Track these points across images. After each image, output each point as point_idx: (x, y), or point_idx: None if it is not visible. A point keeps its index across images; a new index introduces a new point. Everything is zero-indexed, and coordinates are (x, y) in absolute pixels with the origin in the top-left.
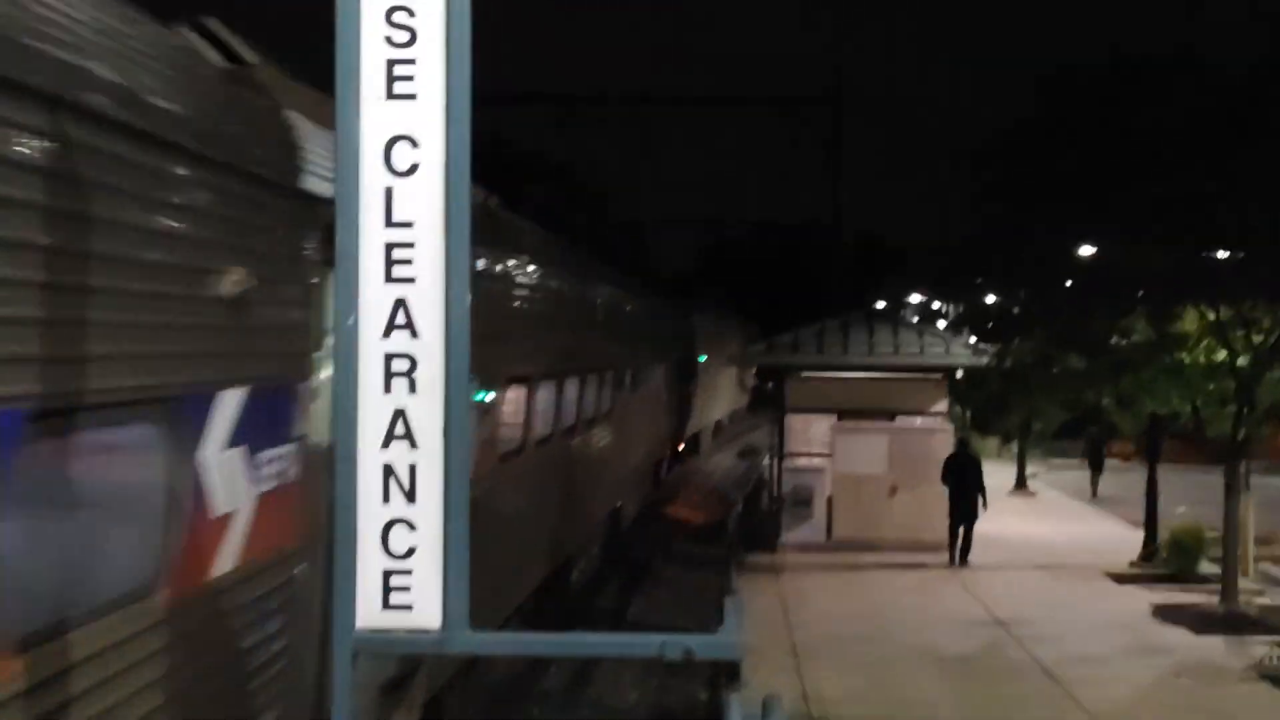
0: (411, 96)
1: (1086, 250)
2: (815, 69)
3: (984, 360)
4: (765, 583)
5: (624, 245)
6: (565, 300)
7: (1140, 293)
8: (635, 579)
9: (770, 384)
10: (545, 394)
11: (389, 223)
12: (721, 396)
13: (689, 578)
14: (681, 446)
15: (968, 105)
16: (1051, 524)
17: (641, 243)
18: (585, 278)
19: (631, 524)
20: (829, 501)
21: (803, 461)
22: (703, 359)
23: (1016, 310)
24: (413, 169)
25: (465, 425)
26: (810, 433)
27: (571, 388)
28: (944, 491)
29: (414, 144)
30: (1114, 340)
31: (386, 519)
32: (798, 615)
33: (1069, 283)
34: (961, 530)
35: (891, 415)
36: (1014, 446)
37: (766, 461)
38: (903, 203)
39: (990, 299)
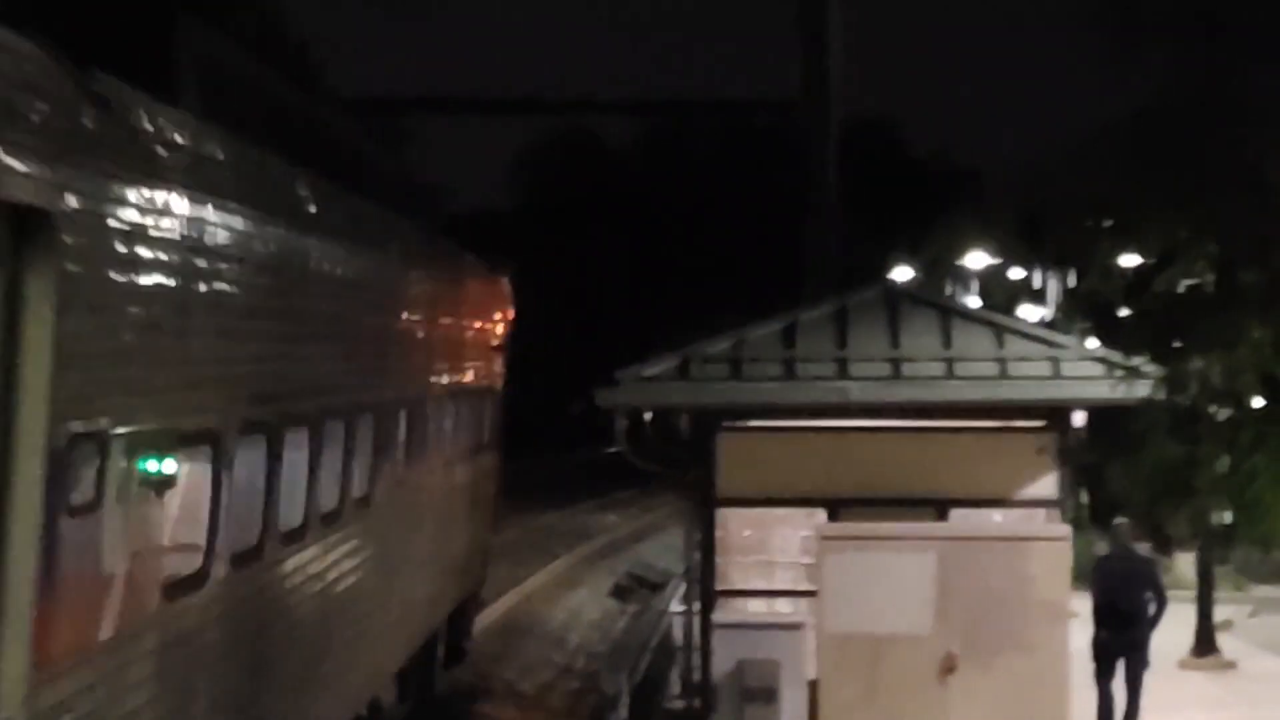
0: None
1: None
2: None
3: (1138, 388)
4: None
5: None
6: None
7: None
8: None
9: (673, 444)
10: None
11: None
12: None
13: None
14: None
15: None
16: None
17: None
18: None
19: None
20: (812, 693)
21: (755, 609)
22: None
23: (1196, 282)
24: None
25: None
26: (770, 547)
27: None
28: (1063, 646)
29: None
30: None
31: None
32: None
33: None
34: (1123, 685)
35: (942, 508)
36: (1183, 563)
37: (676, 609)
38: (948, 79)
39: (1132, 261)
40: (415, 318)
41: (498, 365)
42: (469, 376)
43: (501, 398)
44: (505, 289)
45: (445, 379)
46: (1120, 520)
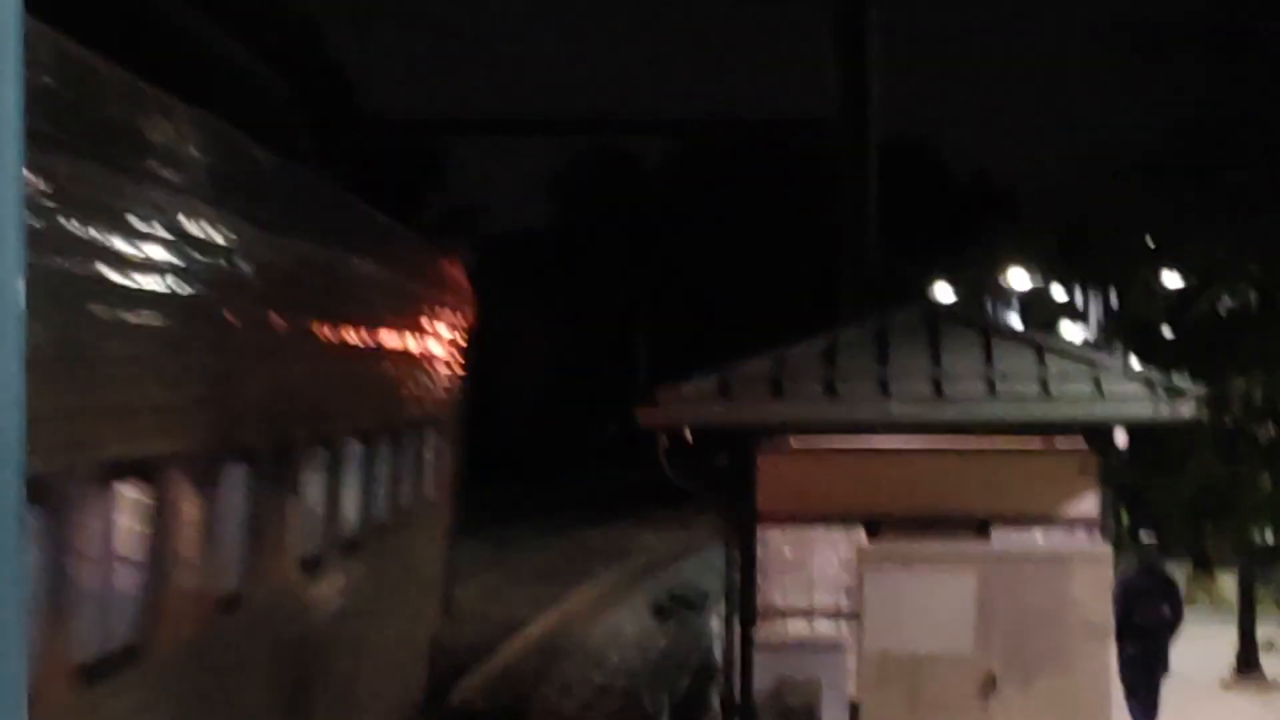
0: None
1: None
2: None
3: (1182, 408)
4: None
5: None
6: None
7: None
8: None
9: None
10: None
11: None
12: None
13: None
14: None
15: None
16: None
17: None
18: None
19: None
20: (853, 712)
21: (795, 629)
22: None
23: (1239, 302)
24: None
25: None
26: (811, 566)
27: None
28: (1105, 666)
29: None
30: None
31: None
32: None
33: None
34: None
35: (983, 528)
36: (1225, 582)
37: (716, 629)
38: (985, 97)
39: (1174, 281)
40: (289, 315)
41: (447, 384)
42: (394, 406)
43: (458, 427)
44: (459, 277)
45: (346, 414)
46: (1147, 540)
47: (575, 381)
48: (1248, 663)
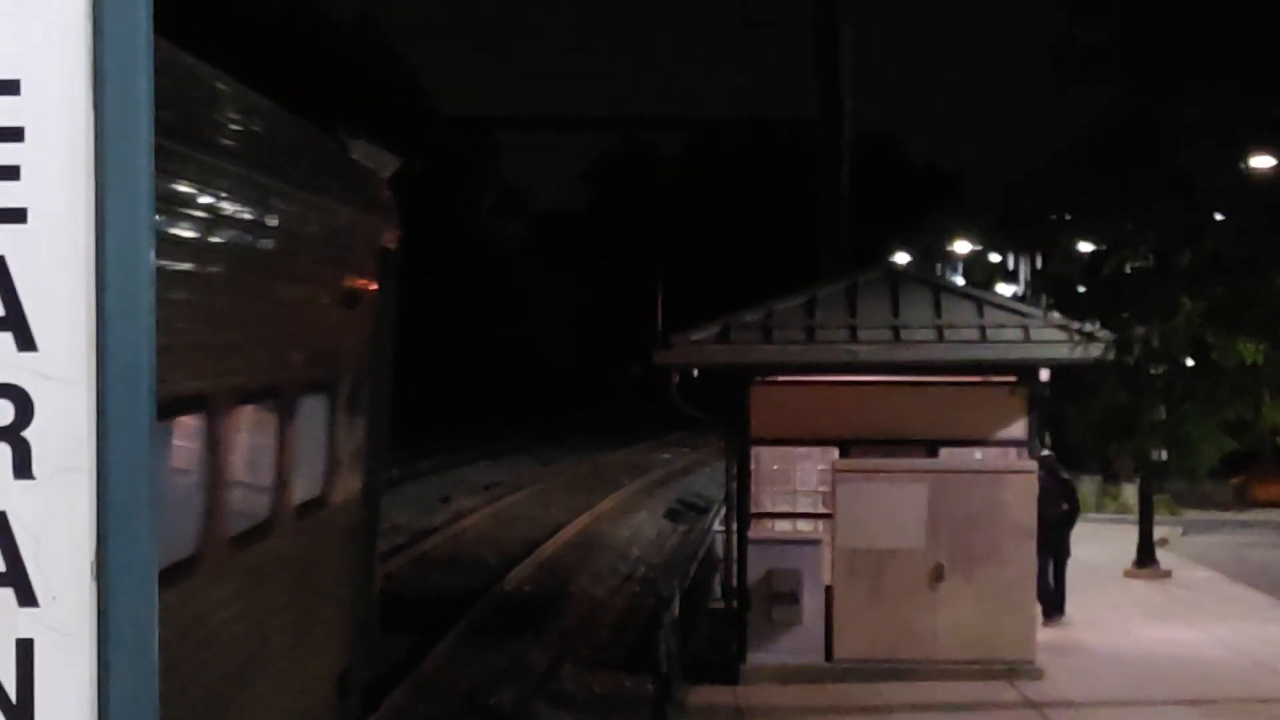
0: None
1: (1266, 162)
2: None
3: (1093, 350)
4: None
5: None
6: None
7: None
8: None
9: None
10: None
11: None
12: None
13: None
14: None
15: None
16: (1203, 627)
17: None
18: None
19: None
20: (828, 596)
21: (781, 528)
22: None
23: (1139, 264)
24: None
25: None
26: (794, 478)
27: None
28: (1032, 560)
29: None
30: None
31: None
32: None
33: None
34: (1052, 570)
35: (933, 447)
36: (1128, 492)
37: (718, 528)
38: (938, 99)
39: (1087, 247)
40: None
41: (354, 330)
42: (253, 360)
43: (375, 386)
44: (379, 187)
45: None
46: (1046, 452)
47: (605, 332)
48: (1145, 556)
